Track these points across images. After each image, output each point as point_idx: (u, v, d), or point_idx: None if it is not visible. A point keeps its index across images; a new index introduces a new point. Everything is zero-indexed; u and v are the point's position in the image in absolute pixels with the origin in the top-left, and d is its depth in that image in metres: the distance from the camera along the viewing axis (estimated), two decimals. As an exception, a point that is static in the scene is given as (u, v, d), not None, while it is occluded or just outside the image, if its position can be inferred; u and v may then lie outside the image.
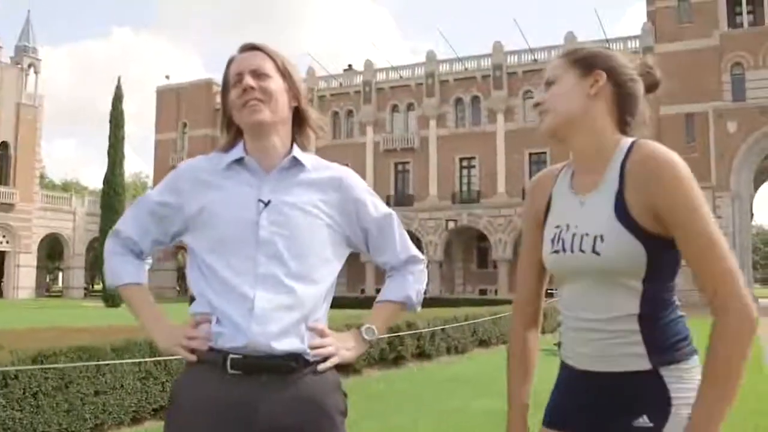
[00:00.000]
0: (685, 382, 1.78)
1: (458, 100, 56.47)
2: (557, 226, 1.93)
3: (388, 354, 12.19)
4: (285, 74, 2.10)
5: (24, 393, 5.91)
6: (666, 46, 47.53)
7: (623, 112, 1.91)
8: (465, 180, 55.76)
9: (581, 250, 1.82)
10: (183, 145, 66.43)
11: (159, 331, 2.08)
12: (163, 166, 66.84)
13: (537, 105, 1.97)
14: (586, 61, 1.91)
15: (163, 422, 6.28)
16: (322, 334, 2.03)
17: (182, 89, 66.82)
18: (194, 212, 2.07)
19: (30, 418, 5.93)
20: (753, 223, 60.49)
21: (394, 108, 58.97)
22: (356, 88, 60.00)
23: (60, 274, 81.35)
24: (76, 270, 60.98)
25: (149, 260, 2.24)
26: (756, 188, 51.37)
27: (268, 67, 2.07)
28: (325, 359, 2.02)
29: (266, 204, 2.03)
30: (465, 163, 55.85)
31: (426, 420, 7.54)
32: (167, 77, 68.72)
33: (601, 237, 1.78)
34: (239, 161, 2.08)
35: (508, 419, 2.08)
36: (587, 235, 1.82)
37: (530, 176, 52.86)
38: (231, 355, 1.93)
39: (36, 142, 57.76)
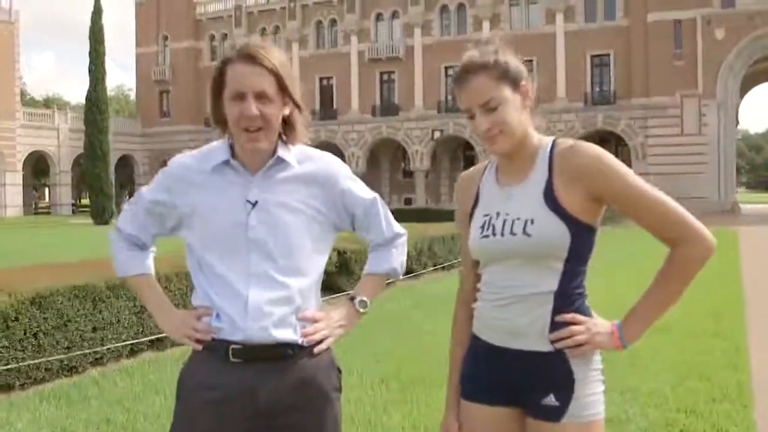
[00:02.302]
0: (587, 363, 2.04)
1: (443, 8, 55.63)
2: (486, 215, 2.13)
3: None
4: (284, 88, 2.11)
5: (25, 333, 6.11)
6: (654, -50, 46.67)
7: (533, 110, 2.11)
8: (451, 89, 55.36)
9: (512, 233, 2.03)
10: (165, 59, 65.41)
11: (167, 321, 2.26)
12: (145, 81, 66.02)
13: (489, 130, 2.03)
14: (514, 77, 2.04)
15: (159, 353, 6.60)
16: (313, 320, 2.19)
17: (162, 0, 65.31)
18: (186, 211, 2.19)
19: (32, 357, 6.16)
20: (738, 128, 60.70)
21: (379, 16, 58.04)
22: (340, -4, 58.86)
23: (47, 191, 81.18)
24: (63, 187, 60.91)
25: (153, 248, 2.38)
26: (742, 95, 51.36)
27: (270, 88, 2.08)
28: (319, 341, 2.19)
29: (254, 204, 2.14)
30: (450, 72, 55.08)
31: (407, 343, 7.79)
32: (146, -13, 67.04)
33: (532, 220, 2.01)
34: (226, 162, 2.18)
35: (448, 382, 2.33)
36: (518, 219, 2.03)
37: (516, 85, 52.50)
38: (232, 346, 2.11)
39: (14, 58, 56.75)
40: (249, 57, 2.10)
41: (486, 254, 2.12)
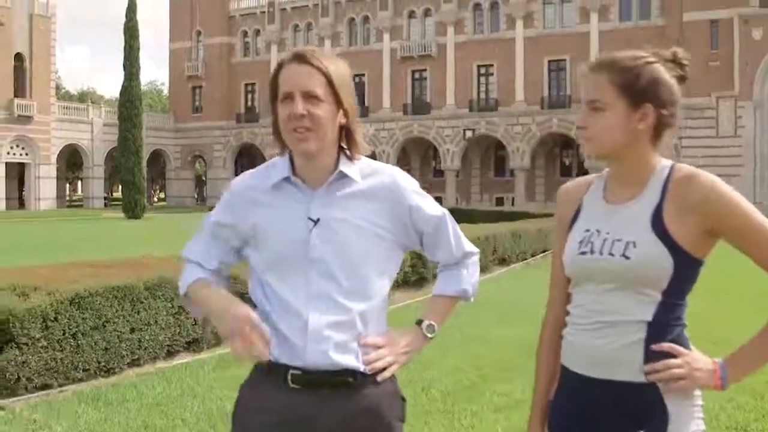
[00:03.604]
0: (684, 398, 1.87)
1: (476, 6, 55.38)
2: (587, 230, 1.99)
3: (410, 277, 12.37)
4: (336, 92, 2.04)
5: (64, 334, 6.09)
6: (692, -51, 46.02)
7: (661, 133, 1.95)
8: (483, 88, 55.22)
9: (611, 254, 1.89)
10: (198, 54, 65.81)
11: (223, 324, 2.01)
12: (178, 76, 66.49)
13: (581, 128, 1.97)
14: (637, 94, 1.89)
15: (195, 356, 6.49)
16: (376, 346, 2.06)
17: (196, -4, 65.72)
18: (248, 230, 2.11)
19: (71, 357, 6.14)
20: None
21: (411, 14, 57.96)
22: (373, -6, 58.84)
23: (79, 183, 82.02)
24: (96, 180, 61.43)
25: (225, 275, 2.24)
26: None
27: (320, 87, 2.00)
28: (383, 369, 2.06)
29: (315, 222, 2.04)
30: (483, 71, 55.20)
31: (453, 351, 7.69)
32: (180, -17, 67.47)
33: (634, 243, 1.87)
34: (286, 179, 2.09)
35: (531, 415, 2.17)
36: (619, 240, 1.89)
37: (549, 84, 52.32)
38: (291, 371, 2.01)
39: (50, 52, 57.29)
40: (299, 57, 2.04)
41: (580, 272, 1.99)
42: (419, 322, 2.19)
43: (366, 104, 58.47)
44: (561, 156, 55.61)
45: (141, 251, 15.06)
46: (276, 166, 2.14)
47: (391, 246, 2.13)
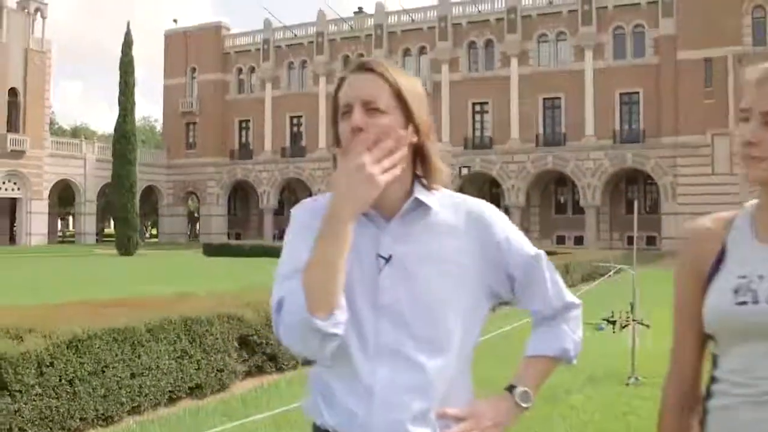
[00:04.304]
0: None
1: (471, 44, 55.55)
2: (742, 276, 1.63)
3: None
4: (404, 103, 1.70)
5: (60, 380, 5.69)
6: (686, -12, 46.37)
7: None
8: (478, 125, 55.18)
9: None
10: (192, 90, 65.75)
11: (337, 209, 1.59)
12: (172, 112, 66.34)
13: (750, 144, 1.65)
14: None
15: (199, 401, 6.02)
16: (457, 419, 1.69)
17: (190, 33, 65.90)
18: None
19: (67, 405, 5.72)
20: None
21: (406, 52, 58.11)
22: (367, 32, 59.11)
23: (71, 219, 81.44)
24: (88, 216, 60.90)
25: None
26: (774, 134, 50.67)
27: (383, 98, 1.67)
28: None
29: (387, 260, 1.69)
30: (478, 108, 55.20)
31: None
32: (175, 21, 67.83)
33: None
34: None
35: None
36: None
37: (544, 121, 52.29)
38: None
39: (45, 87, 57.07)
40: (361, 65, 1.73)
41: (739, 327, 1.62)
42: (511, 389, 1.79)
43: (361, 141, 58.34)
44: (556, 193, 55.49)
45: (137, 289, 14.70)
46: None
47: (477, 290, 1.77)
